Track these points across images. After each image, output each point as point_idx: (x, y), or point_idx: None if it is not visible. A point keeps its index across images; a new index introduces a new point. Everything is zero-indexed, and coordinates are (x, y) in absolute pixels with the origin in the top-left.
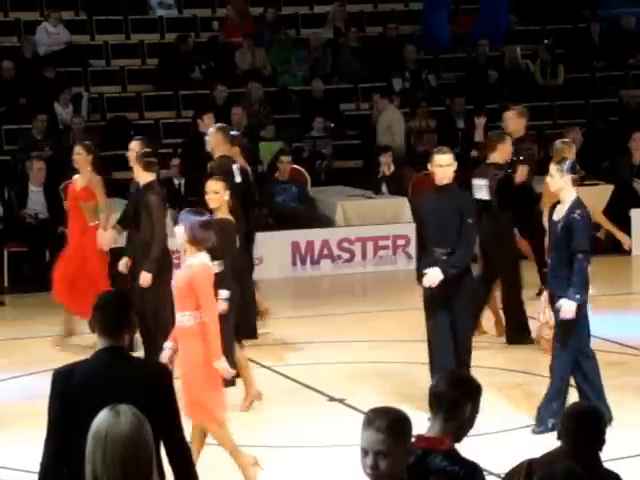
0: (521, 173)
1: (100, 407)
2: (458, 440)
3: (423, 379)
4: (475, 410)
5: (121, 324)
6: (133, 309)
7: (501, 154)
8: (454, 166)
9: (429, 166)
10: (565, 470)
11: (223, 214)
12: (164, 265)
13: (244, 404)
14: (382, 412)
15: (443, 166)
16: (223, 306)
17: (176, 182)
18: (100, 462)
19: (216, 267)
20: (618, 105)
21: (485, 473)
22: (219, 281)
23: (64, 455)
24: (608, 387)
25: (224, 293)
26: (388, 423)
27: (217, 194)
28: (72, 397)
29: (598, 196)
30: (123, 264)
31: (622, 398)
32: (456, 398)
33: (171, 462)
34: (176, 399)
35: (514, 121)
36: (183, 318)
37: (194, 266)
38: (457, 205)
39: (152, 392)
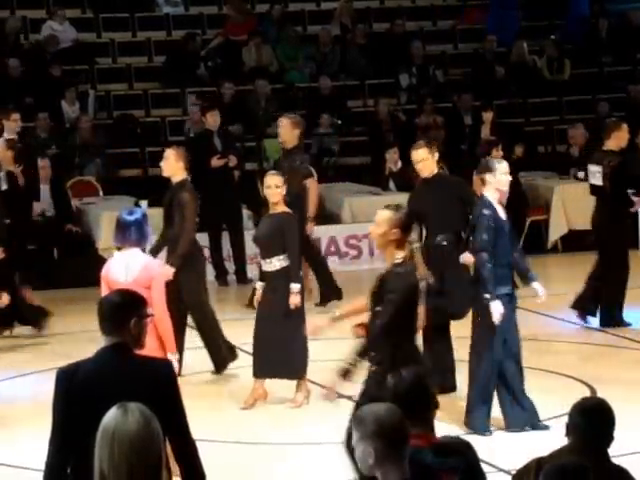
0: None
1: (105, 405)
2: (432, 430)
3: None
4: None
5: (125, 321)
6: (142, 308)
7: (616, 141)
8: (430, 159)
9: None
10: (573, 465)
11: (283, 208)
12: (197, 259)
13: (248, 401)
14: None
15: (417, 162)
16: (297, 299)
17: None
18: (107, 460)
19: (283, 261)
20: (626, 100)
21: (495, 470)
22: (287, 275)
23: (69, 454)
24: (619, 383)
25: (295, 287)
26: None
27: (278, 188)
28: (76, 396)
29: None
30: None
31: (634, 394)
32: (425, 395)
33: (178, 459)
34: (181, 396)
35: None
36: None
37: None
38: (454, 191)
39: (157, 389)
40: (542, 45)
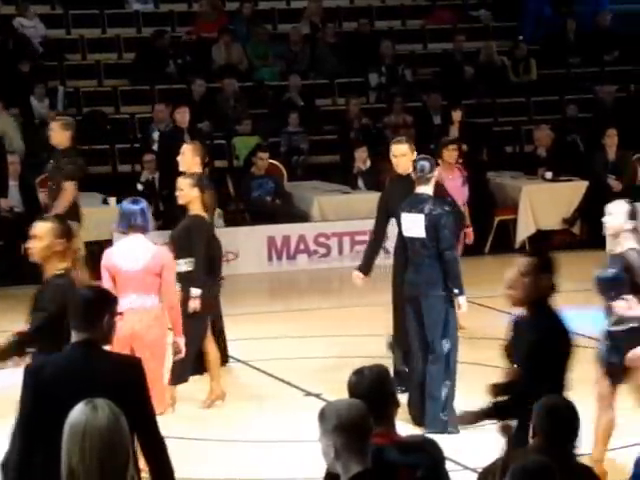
0: None
1: (72, 401)
2: (394, 427)
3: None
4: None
5: (91, 319)
6: (114, 305)
7: None
8: (409, 156)
9: (390, 156)
10: (539, 465)
11: (194, 211)
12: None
13: (206, 401)
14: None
15: (397, 156)
16: (195, 304)
17: (149, 177)
18: (77, 456)
19: (187, 265)
20: (593, 101)
21: (461, 468)
22: (190, 279)
23: (36, 450)
24: (584, 382)
25: (195, 291)
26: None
27: (182, 191)
28: (44, 392)
29: (572, 192)
30: None
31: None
32: (387, 393)
33: (146, 456)
34: (149, 393)
35: None
36: (146, 300)
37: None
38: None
39: (126, 386)
40: (510, 46)
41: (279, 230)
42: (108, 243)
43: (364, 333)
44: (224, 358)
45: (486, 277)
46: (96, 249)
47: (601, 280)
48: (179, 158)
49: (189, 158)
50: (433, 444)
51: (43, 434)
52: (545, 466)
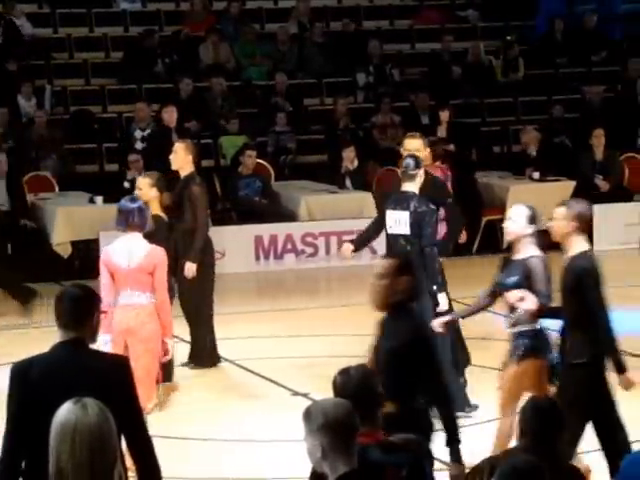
0: None
1: (60, 400)
2: (380, 427)
3: None
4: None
5: (80, 317)
6: (100, 304)
7: None
8: (422, 152)
9: (401, 150)
10: (529, 465)
11: (153, 211)
12: (207, 252)
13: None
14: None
15: (410, 151)
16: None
17: (135, 176)
18: (68, 455)
19: None
20: (580, 102)
21: (447, 468)
22: None
23: (23, 451)
24: None
25: None
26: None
27: (140, 190)
28: (31, 391)
29: (560, 192)
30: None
31: None
32: (373, 393)
33: (133, 455)
34: (137, 392)
35: None
36: (141, 298)
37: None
38: (428, 189)
39: (113, 385)
40: (498, 46)
41: (266, 229)
42: (95, 242)
43: (351, 333)
44: (215, 358)
45: (473, 277)
46: (83, 247)
47: (501, 286)
48: (171, 157)
49: (181, 156)
50: (419, 443)
51: (31, 436)
52: (535, 466)
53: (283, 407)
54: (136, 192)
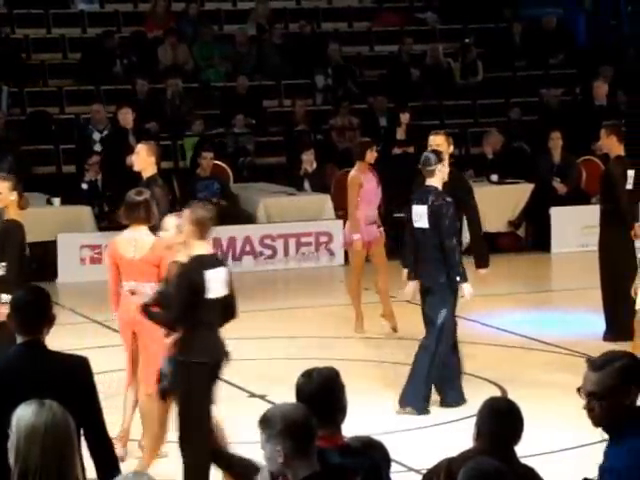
0: None
1: (19, 401)
2: (340, 431)
3: (344, 375)
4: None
5: (40, 319)
6: (51, 304)
7: None
8: (445, 147)
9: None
10: (494, 468)
11: (10, 215)
12: None
13: None
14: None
15: (432, 147)
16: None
17: (92, 178)
18: (37, 457)
19: (1, 269)
20: (538, 104)
21: (405, 469)
22: (1, 284)
23: None
24: (530, 384)
25: (5, 297)
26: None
27: (0, 194)
28: None
29: (518, 194)
30: None
31: (544, 395)
32: (333, 397)
33: (93, 452)
34: (97, 392)
35: None
36: (145, 288)
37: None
38: (452, 185)
39: (74, 385)
40: (456, 48)
41: (225, 231)
42: (52, 244)
43: (310, 335)
44: None
45: None
46: (40, 249)
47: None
48: (133, 158)
49: (144, 158)
50: (378, 447)
51: None
52: (501, 470)
53: (240, 409)
54: None
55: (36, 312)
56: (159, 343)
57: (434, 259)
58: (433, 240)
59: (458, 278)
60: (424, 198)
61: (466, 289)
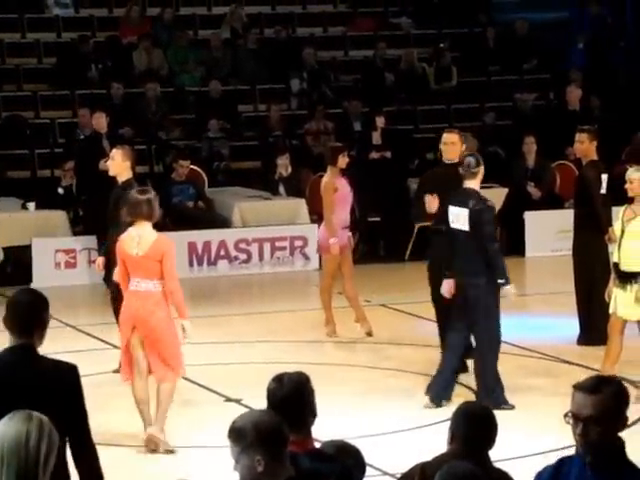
0: None
1: (8, 405)
2: (310, 436)
3: (319, 379)
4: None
5: (32, 323)
6: (47, 308)
7: None
8: (458, 145)
9: (440, 146)
10: (469, 472)
11: None
12: None
13: None
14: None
15: (447, 144)
16: None
17: (68, 183)
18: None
19: None
20: (512, 109)
21: (379, 473)
22: None
23: None
24: (505, 388)
25: None
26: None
27: None
28: None
29: (493, 199)
30: (100, 263)
31: (519, 399)
32: (304, 401)
33: (77, 460)
34: (84, 398)
35: None
36: (149, 285)
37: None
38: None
39: (61, 392)
40: (431, 53)
41: (200, 236)
42: (27, 248)
43: (285, 339)
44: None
45: (405, 283)
46: (16, 254)
47: None
48: (108, 163)
49: (119, 162)
50: (353, 451)
51: None
52: (476, 473)
53: (215, 413)
54: None
55: (28, 314)
56: (170, 333)
57: (473, 261)
58: (473, 243)
59: (503, 281)
60: (464, 201)
61: (510, 291)
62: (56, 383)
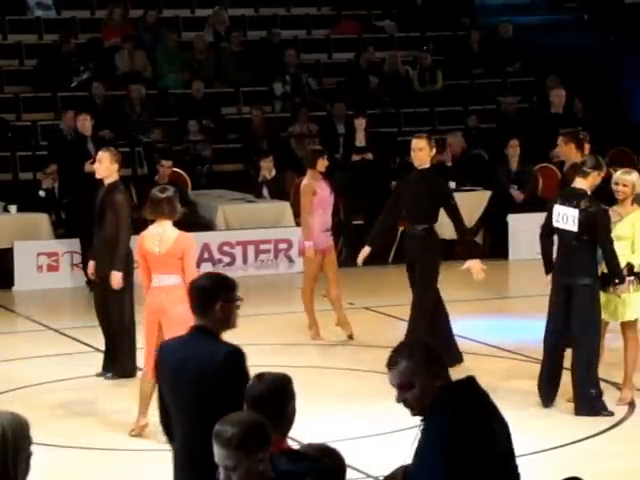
0: None
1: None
2: (285, 437)
3: (302, 382)
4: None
5: (206, 305)
6: (222, 293)
7: None
8: (427, 150)
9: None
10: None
11: None
12: (127, 261)
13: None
14: (230, 423)
15: (415, 150)
16: None
17: (50, 186)
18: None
19: None
20: (496, 112)
21: (363, 476)
22: None
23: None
24: (488, 391)
25: None
26: (235, 437)
27: None
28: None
29: (476, 201)
30: (91, 266)
31: (503, 401)
32: (280, 401)
33: None
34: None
35: None
36: (171, 279)
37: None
38: (431, 188)
39: (229, 374)
40: (415, 56)
41: None
42: (9, 251)
43: (268, 342)
44: (134, 368)
45: (389, 286)
46: None
47: None
48: (95, 165)
49: (106, 165)
50: (334, 454)
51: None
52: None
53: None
54: None
55: (201, 299)
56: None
57: (579, 262)
58: (581, 243)
59: (618, 280)
60: (574, 201)
61: (621, 289)
62: (220, 365)
